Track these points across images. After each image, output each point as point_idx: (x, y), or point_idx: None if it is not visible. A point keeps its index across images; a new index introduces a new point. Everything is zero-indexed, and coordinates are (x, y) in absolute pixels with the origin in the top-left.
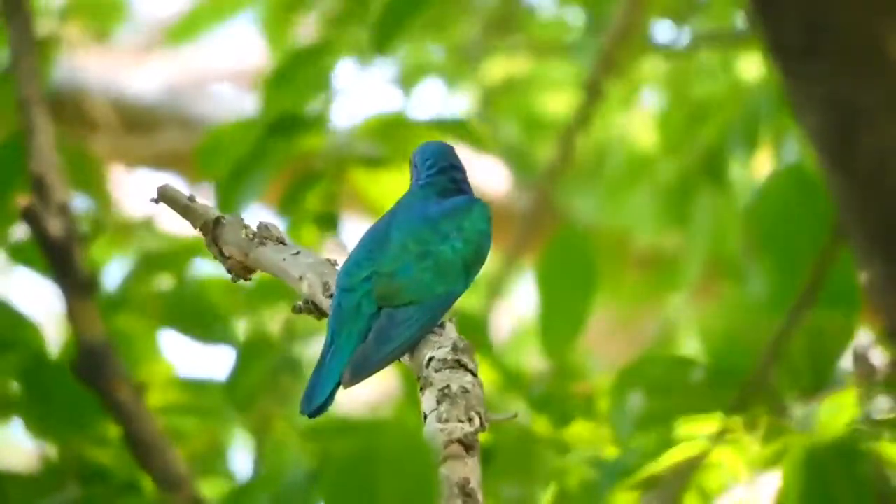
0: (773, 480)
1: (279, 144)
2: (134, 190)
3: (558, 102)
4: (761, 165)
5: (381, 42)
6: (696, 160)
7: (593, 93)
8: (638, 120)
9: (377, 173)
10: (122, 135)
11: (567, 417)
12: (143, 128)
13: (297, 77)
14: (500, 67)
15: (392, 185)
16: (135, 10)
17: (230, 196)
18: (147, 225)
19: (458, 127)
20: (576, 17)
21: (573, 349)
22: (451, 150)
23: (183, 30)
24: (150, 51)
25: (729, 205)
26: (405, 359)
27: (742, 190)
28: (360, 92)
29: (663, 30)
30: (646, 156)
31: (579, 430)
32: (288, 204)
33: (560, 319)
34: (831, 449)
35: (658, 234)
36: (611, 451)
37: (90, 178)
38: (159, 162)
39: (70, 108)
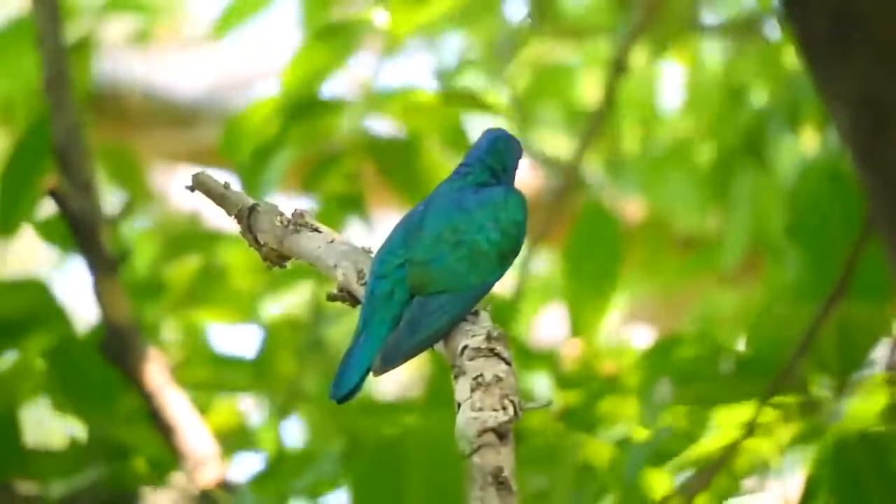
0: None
1: (300, 127)
2: (175, 184)
3: (591, 85)
4: (807, 144)
5: (397, 20)
6: (736, 139)
7: (619, 69)
8: (676, 99)
9: (396, 151)
10: (163, 131)
11: (596, 395)
12: (185, 124)
13: (317, 55)
14: (532, 52)
15: (412, 164)
16: (179, 9)
17: (253, 180)
18: (191, 220)
19: (469, 97)
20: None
21: (601, 328)
22: (503, 140)
23: (225, 22)
24: (193, 48)
25: (771, 184)
26: (439, 347)
27: (786, 170)
28: (384, 73)
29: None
30: (686, 137)
31: (607, 406)
32: (311, 186)
33: (587, 298)
34: (860, 440)
35: (700, 214)
36: (638, 430)
37: (129, 173)
38: (200, 158)
39: (111, 106)
